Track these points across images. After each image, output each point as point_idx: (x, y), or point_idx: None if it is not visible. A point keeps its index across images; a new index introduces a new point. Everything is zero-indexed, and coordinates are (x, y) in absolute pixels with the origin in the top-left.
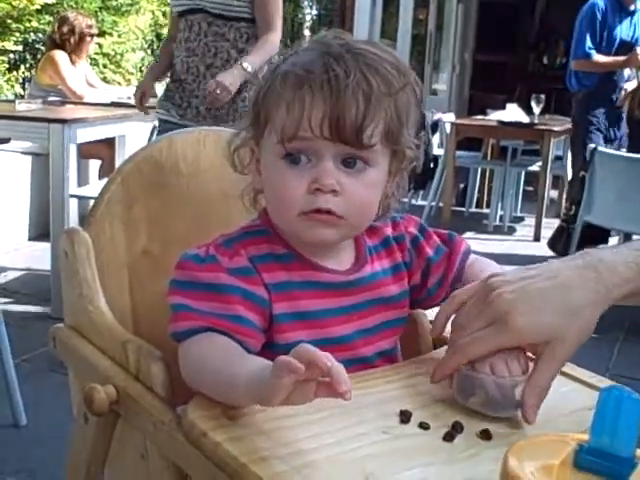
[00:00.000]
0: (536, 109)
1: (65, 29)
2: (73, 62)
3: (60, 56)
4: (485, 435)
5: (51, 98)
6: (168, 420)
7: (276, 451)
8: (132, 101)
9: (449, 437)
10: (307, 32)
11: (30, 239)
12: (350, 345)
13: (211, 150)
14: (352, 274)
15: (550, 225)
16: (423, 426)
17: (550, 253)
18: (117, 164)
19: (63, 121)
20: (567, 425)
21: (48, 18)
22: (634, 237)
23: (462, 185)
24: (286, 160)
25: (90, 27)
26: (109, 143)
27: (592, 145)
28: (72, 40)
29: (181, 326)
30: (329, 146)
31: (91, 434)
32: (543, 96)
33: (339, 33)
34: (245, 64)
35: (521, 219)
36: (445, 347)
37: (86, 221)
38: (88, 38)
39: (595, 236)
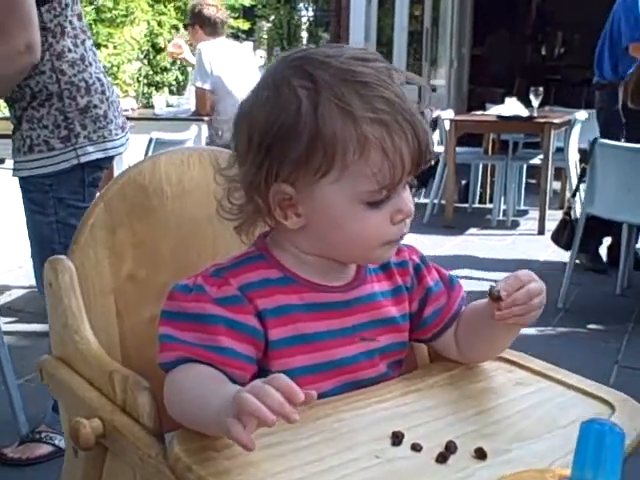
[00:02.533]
0: (535, 102)
1: None
2: None
3: None
4: (480, 454)
5: None
6: (154, 453)
7: None
8: (129, 113)
9: (442, 458)
10: (304, 34)
11: None
12: (353, 367)
13: (195, 170)
14: (351, 290)
15: (554, 217)
16: (416, 448)
17: (554, 246)
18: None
19: None
20: (564, 438)
21: None
22: None
23: (464, 181)
24: (368, 204)
25: None
26: None
27: (591, 137)
28: None
29: (167, 356)
30: (406, 179)
31: (81, 468)
32: (541, 89)
33: (319, 50)
34: None
35: (525, 212)
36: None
37: (70, 249)
38: None
39: (599, 228)
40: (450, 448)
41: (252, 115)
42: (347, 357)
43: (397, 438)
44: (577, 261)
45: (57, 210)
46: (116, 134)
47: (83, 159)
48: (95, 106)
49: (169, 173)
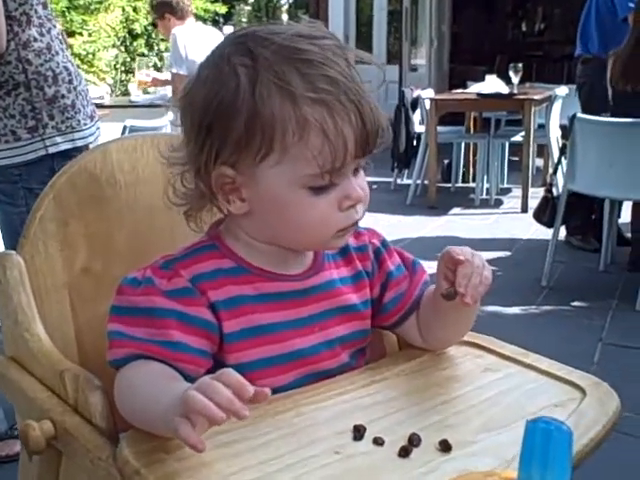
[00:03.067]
0: (515, 79)
1: None
2: None
3: None
4: (444, 446)
5: None
6: (105, 456)
7: None
8: (104, 101)
9: (404, 452)
10: (284, 16)
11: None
12: (313, 358)
13: (150, 157)
14: (308, 279)
15: (538, 195)
16: (378, 442)
17: (537, 225)
18: None
19: None
20: None
21: None
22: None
23: (446, 161)
24: (311, 189)
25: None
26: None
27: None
28: None
29: (117, 353)
30: (353, 163)
31: (36, 472)
32: (521, 65)
33: (268, 27)
34: None
35: (508, 190)
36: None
37: (19, 242)
38: None
39: (581, 205)
40: (413, 441)
41: (192, 93)
42: (306, 348)
43: (358, 432)
44: (568, 241)
45: (27, 201)
46: (85, 124)
47: (51, 150)
48: (63, 96)
49: (121, 161)
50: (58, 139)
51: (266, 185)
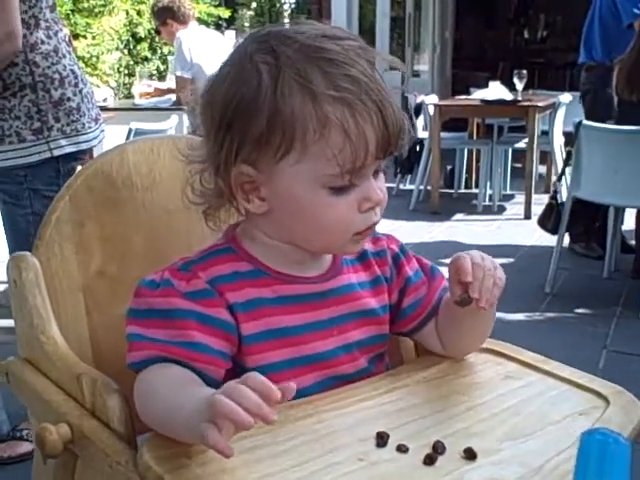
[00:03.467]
0: (519, 85)
1: None
2: None
3: None
4: (469, 454)
5: None
6: (124, 460)
7: None
8: (108, 104)
9: (429, 460)
10: (286, 21)
11: None
12: (331, 362)
13: (166, 159)
14: (326, 282)
15: (541, 201)
16: (401, 449)
17: (541, 231)
18: None
19: None
20: (559, 434)
21: None
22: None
23: (449, 167)
24: (331, 190)
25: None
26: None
27: (576, 119)
28: None
29: (136, 356)
30: (374, 163)
31: (50, 475)
32: (525, 72)
33: (291, 26)
34: None
35: (511, 197)
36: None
37: (34, 244)
38: None
39: (586, 212)
40: (438, 449)
41: (213, 91)
42: (325, 351)
43: (382, 439)
44: (572, 248)
45: (32, 202)
46: (89, 127)
47: (56, 152)
48: (68, 99)
49: (138, 163)
50: (63, 142)
51: (285, 184)
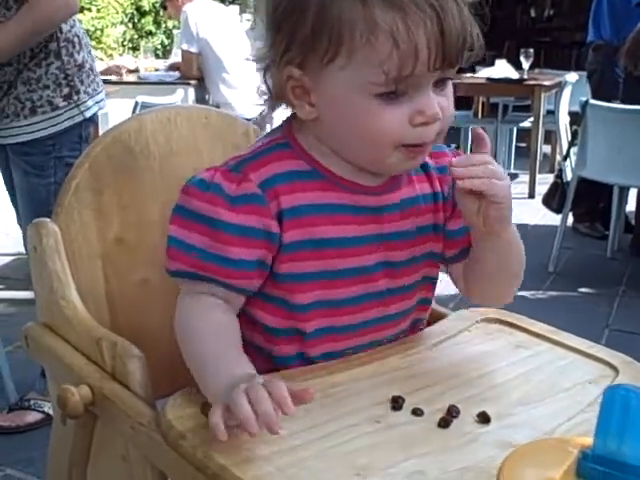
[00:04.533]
0: (525, 64)
1: None
2: None
3: None
4: (483, 418)
5: None
6: (146, 421)
7: (259, 450)
8: (112, 77)
9: (444, 423)
10: None
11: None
12: (367, 277)
13: (184, 129)
14: (386, 194)
15: (545, 180)
16: (417, 412)
17: (545, 210)
18: None
19: None
20: (569, 401)
21: None
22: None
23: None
24: (379, 97)
25: None
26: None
27: (582, 99)
28: None
29: (173, 265)
30: (431, 75)
31: (70, 436)
32: (532, 50)
33: None
34: None
35: (515, 176)
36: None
37: (54, 211)
38: None
39: (589, 192)
40: (452, 412)
41: None
42: (365, 266)
43: (397, 403)
44: (576, 228)
45: (56, 170)
46: (101, 85)
47: (87, 114)
48: (86, 60)
49: (155, 133)
50: (89, 103)
51: (333, 89)
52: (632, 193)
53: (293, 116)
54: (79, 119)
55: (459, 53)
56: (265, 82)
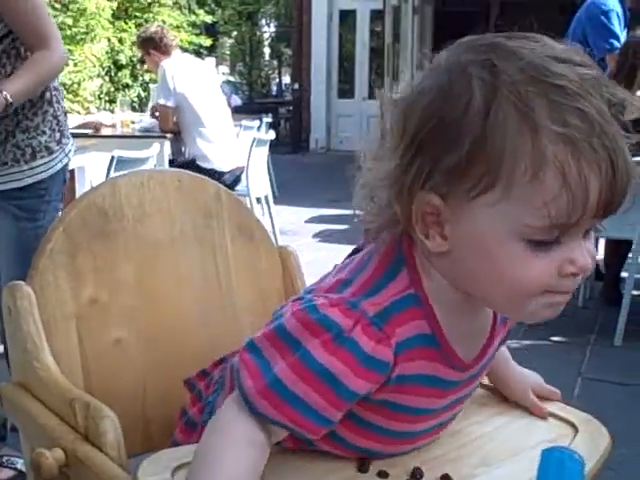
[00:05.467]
0: None
1: None
2: None
3: None
4: None
5: None
6: None
7: None
8: (90, 131)
9: None
10: (267, 50)
11: None
12: (420, 437)
13: (157, 192)
14: (475, 365)
15: None
16: (382, 475)
17: None
18: (77, 195)
19: None
20: (529, 461)
21: None
22: None
23: None
24: (530, 243)
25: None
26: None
27: None
28: None
29: (264, 409)
30: (589, 223)
31: None
32: None
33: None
34: (5, 93)
35: None
36: None
37: (29, 274)
38: None
39: None
40: (416, 475)
41: (412, 100)
42: (420, 430)
43: (363, 465)
44: None
45: (45, 214)
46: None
47: (70, 156)
48: (64, 106)
49: (129, 196)
50: (70, 146)
51: (475, 226)
52: (602, 242)
53: (406, 239)
54: (65, 162)
55: (621, 201)
56: (391, 206)
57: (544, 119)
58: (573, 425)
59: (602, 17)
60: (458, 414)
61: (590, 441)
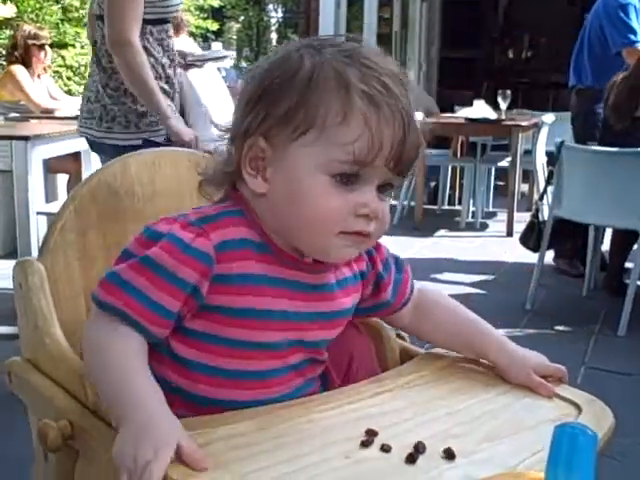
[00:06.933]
0: (503, 105)
1: (14, 42)
2: (32, 75)
3: (19, 71)
4: (448, 454)
5: (12, 114)
6: None
7: None
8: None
9: (411, 459)
10: (274, 35)
11: None
12: (278, 353)
13: (167, 171)
14: (318, 274)
15: (523, 219)
16: (385, 449)
17: (522, 249)
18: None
19: (26, 138)
20: (534, 438)
21: (8, 32)
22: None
23: (433, 183)
24: (335, 178)
25: (36, 37)
26: (75, 157)
27: (558, 139)
28: (17, 53)
29: (104, 297)
30: (381, 174)
31: (51, 472)
32: (509, 91)
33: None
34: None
35: (494, 214)
36: (409, 365)
37: (40, 251)
38: (35, 49)
39: (567, 231)
40: (419, 448)
41: (254, 73)
42: (271, 342)
43: (367, 439)
44: (554, 264)
45: None
46: None
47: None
48: None
49: (140, 174)
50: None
51: (292, 164)
52: (609, 232)
53: (235, 188)
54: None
55: (411, 163)
56: (229, 150)
57: (355, 81)
58: (577, 405)
59: (619, 11)
60: (318, 370)
61: (595, 421)
